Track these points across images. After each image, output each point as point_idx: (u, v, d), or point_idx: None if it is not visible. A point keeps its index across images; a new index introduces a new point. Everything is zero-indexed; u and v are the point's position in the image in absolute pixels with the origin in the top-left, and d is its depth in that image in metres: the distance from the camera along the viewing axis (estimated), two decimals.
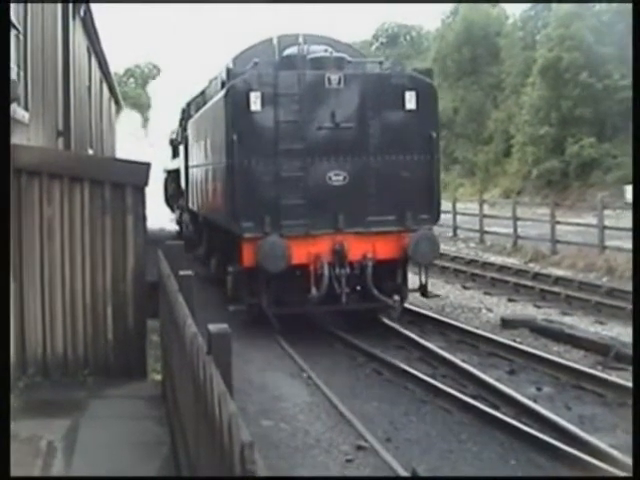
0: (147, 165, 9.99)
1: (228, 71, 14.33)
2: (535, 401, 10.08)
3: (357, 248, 13.67)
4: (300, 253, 13.29)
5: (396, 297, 14.47)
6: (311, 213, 13.60)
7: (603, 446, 8.27)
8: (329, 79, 13.80)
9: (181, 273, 7.24)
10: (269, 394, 10.74)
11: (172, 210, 33.73)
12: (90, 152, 20.29)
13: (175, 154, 29.29)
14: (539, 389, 10.92)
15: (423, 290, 14.93)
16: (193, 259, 20.21)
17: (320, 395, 10.64)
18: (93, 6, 18.93)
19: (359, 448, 8.64)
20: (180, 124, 26.94)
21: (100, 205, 9.51)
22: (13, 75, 9.84)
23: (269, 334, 13.79)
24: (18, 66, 10.34)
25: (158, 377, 9.20)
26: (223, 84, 14.82)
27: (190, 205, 22.14)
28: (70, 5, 15.90)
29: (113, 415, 8.16)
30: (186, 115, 24.50)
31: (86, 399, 8.67)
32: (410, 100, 14.08)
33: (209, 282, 18.17)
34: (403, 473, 7.88)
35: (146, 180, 9.79)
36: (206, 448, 4.18)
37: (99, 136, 24.90)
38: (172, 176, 30.81)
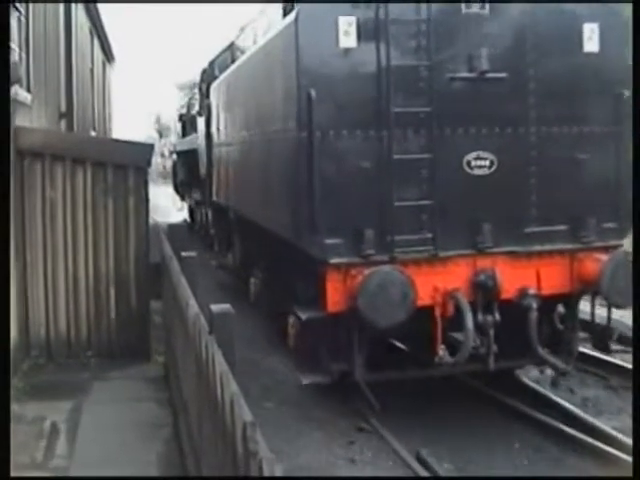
0: (150, 146, 9.99)
1: None
2: (538, 384, 10.08)
3: (513, 278, 8.53)
4: (423, 290, 8.11)
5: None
6: (440, 222, 8.33)
7: (607, 429, 8.28)
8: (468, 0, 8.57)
9: (184, 254, 7.24)
10: None
11: (182, 199, 28.71)
12: (93, 134, 20.25)
13: (186, 131, 24.94)
14: (542, 372, 10.91)
15: (605, 342, 9.67)
16: (216, 268, 16.76)
17: None
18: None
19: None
20: (200, 90, 20.56)
21: (103, 186, 9.50)
22: (15, 57, 9.81)
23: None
24: (20, 48, 10.30)
25: (161, 359, 9.20)
26: (286, 10, 9.45)
27: (215, 197, 15.90)
28: None
29: (116, 397, 8.17)
30: (207, 77, 18.27)
31: (89, 381, 8.68)
32: (591, 37, 8.88)
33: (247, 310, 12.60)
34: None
35: (149, 161, 9.77)
36: (208, 428, 4.18)
37: (102, 117, 24.85)
38: (183, 158, 25.14)
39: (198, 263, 7.41)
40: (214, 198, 16.10)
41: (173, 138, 35.91)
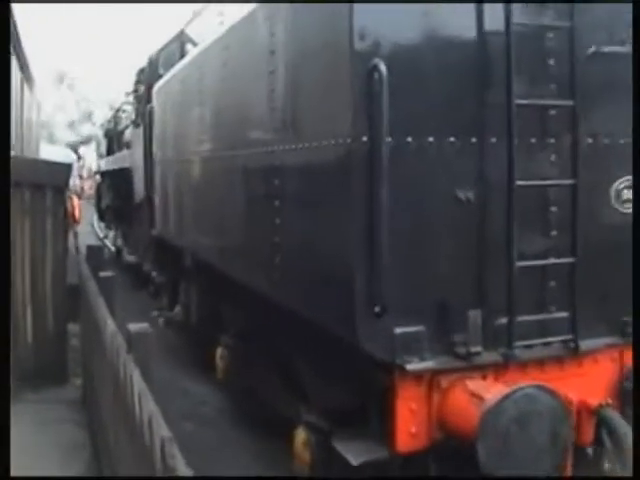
0: (68, 166, 9.90)
1: None
2: None
3: None
4: None
5: None
6: (579, 293, 5.09)
7: None
8: None
9: (101, 275, 7.22)
10: None
11: (108, 227, 24.82)
12: (12, 153, 19.98)
13: (113, 148, 21.87)
14: None
15: None
16: (160, 319, 12.35)
17: None
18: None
19: None
20: (136, 94, 16.24)
21: (19, 206, 9.38)
22: None
23: None
24: None
25: (79, 381, 9.10)
26: None
27: (159, 231, 11.89)
28: None
29: (34, 419, 8.03)
30: (148, 77, 14.06)
31: None
32: None
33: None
34: None
35: (67, 181, 9.70)
36: (127, 447, 4.18)
37: (20, 137, 24.50)
38: (110, 179, 21.50)
39: (115, 283, 7.37)
40: (157, 232, 12.03)
41: (93, 156, 34.55)
